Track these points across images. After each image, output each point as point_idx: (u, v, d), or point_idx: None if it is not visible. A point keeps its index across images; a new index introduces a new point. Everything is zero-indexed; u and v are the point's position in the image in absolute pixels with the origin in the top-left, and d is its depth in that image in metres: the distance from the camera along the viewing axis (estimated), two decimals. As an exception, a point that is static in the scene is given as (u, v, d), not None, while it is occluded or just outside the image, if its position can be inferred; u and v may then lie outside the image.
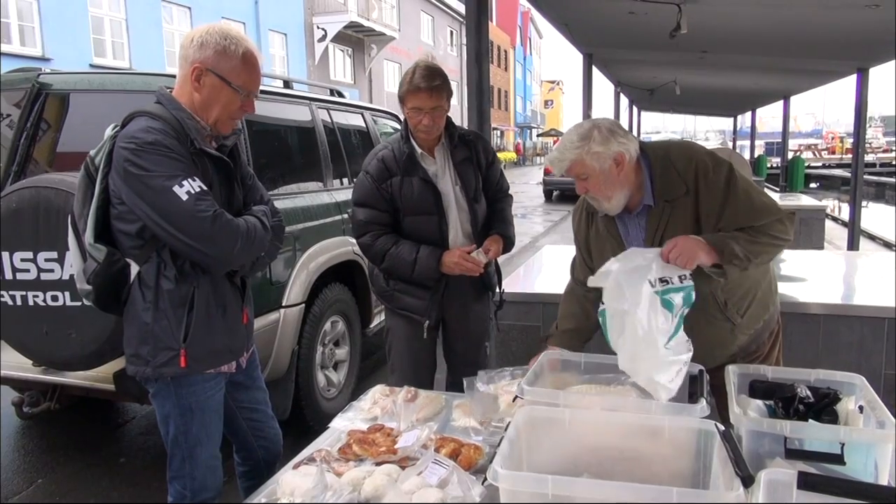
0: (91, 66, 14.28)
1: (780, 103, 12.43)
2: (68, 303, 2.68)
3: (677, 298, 1.86)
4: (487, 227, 2.74)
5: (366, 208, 2.63)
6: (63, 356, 2.80)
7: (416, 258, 2.56)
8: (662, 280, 1.87)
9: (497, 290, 2.89)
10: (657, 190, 2.06)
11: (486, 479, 1.41)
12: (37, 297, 2.72)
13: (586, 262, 2.31)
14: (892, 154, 35.21)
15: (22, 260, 2.72)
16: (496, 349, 3.49)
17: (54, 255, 2.68)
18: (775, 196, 10.66)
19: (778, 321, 2.33)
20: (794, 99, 11.98)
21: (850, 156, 10.48)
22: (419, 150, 2.60)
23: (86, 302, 1.97)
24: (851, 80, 7.26)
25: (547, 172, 19.65)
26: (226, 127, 1.96)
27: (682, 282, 1.89)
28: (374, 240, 2.61)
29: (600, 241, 2.24)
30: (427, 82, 2.48)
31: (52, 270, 2.69)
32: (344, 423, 1.95)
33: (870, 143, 32.25)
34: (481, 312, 2.83)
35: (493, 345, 2.89)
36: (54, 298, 2.70)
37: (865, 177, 10.50)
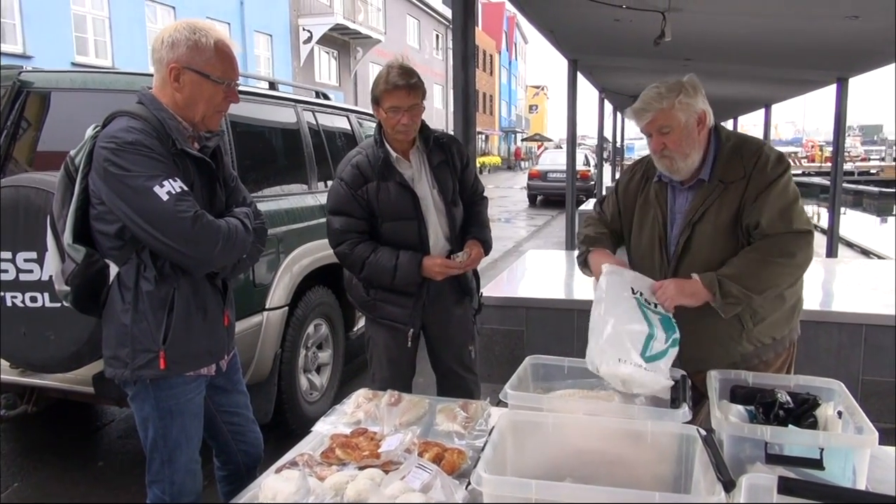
0: (73, 64, 14.12)
1: (762, 111, 12.57)
2: (47, 304, 2.64)
3: (655, 318, 1.92)
4: (465, 230, 2.73)
5: (341, 216, 2.59)
6: (41, 358, 2.75)
7: (397, 264, 2.53)
8: (647, 300, 1.97)
9: (476, 294, 2.87)
10: (717, 168, 2.09)
11: (469, 483, 1.41)
12: (15, 297, 2.67)
13: (619, 217, 2.35)
14: (870, 163, 35.79)
15: (0, 260, 2.67)
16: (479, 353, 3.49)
17: (33, 255, 2.64)
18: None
19: (789, 347, 2.27)
20: (774, 107, 12.11)
21: (829, 164, 10.62)
22: (394, 154, 2.58)
23: (65, 303, 1.95)
24: (831, 89, 7.36)
25: (531, 177, 19.66)
26: (214, 122, 1.95)
27: (663, 310, 1.97)
28: (351, 248, 2.57)
29: (646, 208, 2.25)
30: (405, 80, 2.46)
31: (31, 271, 2.65)
32: (327, 427, 1.94)
33: (848, 152, 32.72)
34: (462, 317, 2.82)
35: (477, 348, 2.88)
36: (33, 299, 2.66)
37: (844, 185, 10.64)
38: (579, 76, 7.74)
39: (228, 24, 18.94)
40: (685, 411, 1.64)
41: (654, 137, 2.10)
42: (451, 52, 3.80)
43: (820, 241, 10.89)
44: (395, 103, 2.47)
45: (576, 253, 2.44)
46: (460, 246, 2.66)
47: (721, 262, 2.05)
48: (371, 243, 2.58)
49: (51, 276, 1.95)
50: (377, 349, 2.76)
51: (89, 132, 1.86)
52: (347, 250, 2.58)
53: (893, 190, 21.81)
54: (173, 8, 17.64)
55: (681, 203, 2.18)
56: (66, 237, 1.83)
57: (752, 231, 2.04)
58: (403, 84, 2.45)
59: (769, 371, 2.18)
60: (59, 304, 2.55)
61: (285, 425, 3.70)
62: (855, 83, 7.11)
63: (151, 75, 1.95)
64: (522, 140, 60.51)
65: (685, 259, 2.13)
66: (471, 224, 2.76)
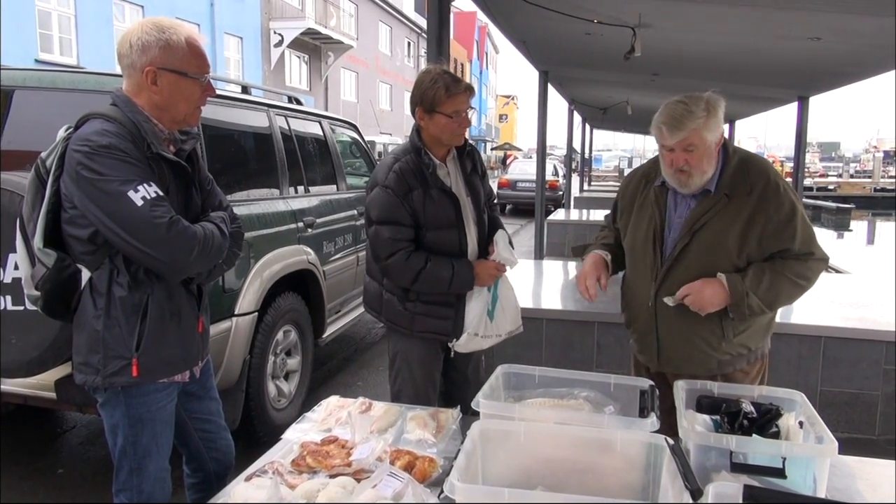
0: (36, 61, 13.82)
1: (726, 126, 12.85)
2: (9, 307, 2.57)
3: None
4: (489, 238, 2.66)
5: (391, 225, 2.44)
6: (2, 362, 2.68)
7: (454, 273, 2.43)
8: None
9: None
10: (723, 180, 2.14)
11: (441, 491, 1.42)
12: (-25, 301, 2.61)
13: (615, 222, 2.46)
14: (828, 179, 36.82)
15: (-40, 262, 2.60)
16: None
17: (-5, 257, 2.58)
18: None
19: (761, 359, 2.33)
20: (738, 123, 12.40)
21: (789, 179, 10.92)
22: (437, 162, 2.50)
23: (28, 306, 1.90)
24: (792, 107, 7.56)
25: (501, 186, 19.78)
26: (195, 118, 1.94)
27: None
28: (406, 258, 2.42)
29: (643, 209, 2.30)
30: (463, 82, 2.44)
31: (-8, 273, 2.59)
32: (297, 435, 1.93)
33: (808, 168, 33.60)
34: None
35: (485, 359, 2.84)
36: (-6, 303, 2.60)
37: (803, 200, 10.94)
38: (550, 87, 7.83)
39: (198, 24, 18.73)
40: (653, 420, 1.68)
41: (675, 153, 2.10)
42: (422, 60, 3.80)
43: (780, 255, 11.15)
44: (458, 107, 2.42)
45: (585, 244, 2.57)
46: (485, 254, 2.59)
47: (715, 271, 2.12)
48: (423, 253, 2.45)
49: (14, 279, 1.91)
50: (408, 364, 2.61)
51: (61, 133, 1.82)
52: (402, 260, 2.42)
53: (850, 206, 22.48)
54: (142, 7, 17.39)
55: (682, 210, 2.22)
56: (37, 241, 1.79)
57: (775, 253, 2.13)
58: (464, 87, 2.43)
59: (746, 380, 2.25)
60: (21, 308, 2.50)
61: (253, 432, 3.66)
62: (815, 102, 7.33)
63: (120, 76, 1.92)
64: (492, 149, 60.81)
65: (681, 263, 2.18)
66: (493, 229, 2.68)
